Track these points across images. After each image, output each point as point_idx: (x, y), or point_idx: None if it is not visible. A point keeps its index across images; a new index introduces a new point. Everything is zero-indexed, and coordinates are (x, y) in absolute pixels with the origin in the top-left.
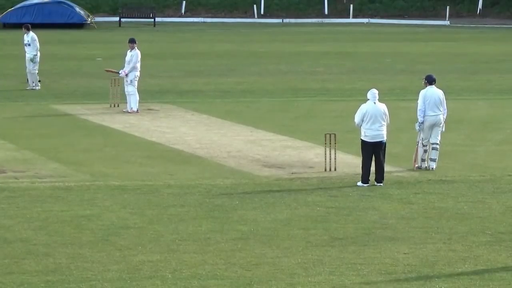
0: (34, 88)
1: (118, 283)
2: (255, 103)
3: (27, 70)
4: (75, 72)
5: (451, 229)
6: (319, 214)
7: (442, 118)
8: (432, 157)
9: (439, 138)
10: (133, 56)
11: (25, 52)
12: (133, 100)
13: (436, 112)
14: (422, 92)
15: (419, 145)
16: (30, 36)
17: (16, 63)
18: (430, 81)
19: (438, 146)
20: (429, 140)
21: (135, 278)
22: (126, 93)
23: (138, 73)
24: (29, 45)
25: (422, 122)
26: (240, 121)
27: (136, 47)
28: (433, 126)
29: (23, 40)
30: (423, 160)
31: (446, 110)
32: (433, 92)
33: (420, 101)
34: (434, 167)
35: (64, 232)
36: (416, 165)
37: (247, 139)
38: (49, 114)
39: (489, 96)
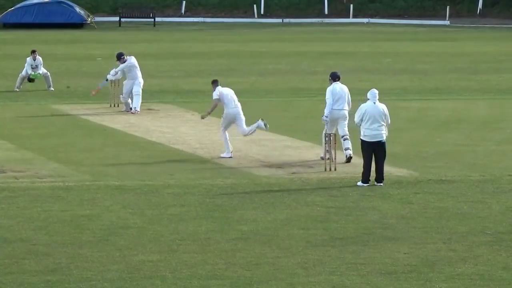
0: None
1: (118, 283)
2: (255, 103)
3: (23, 73)
4: (75, 72)
5: (451, 229)
6: (319, 214)
7: (347, 114)
8: (347, 146)
9: (346, 129)
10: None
11: (29, 69)
12: (137, 100)
13: (340, 107)
14: (330, 88)
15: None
16: (39, 60)
17: (16, 63)
18: (334, 77)
19: (347, 136)
20: (334, 133)
21: (135, 278)
22: (132, 92)
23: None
24: (36, 66)
25: (327, 116)
26: None
27: (126, 58)
28: (338, 119)
29: (29, 64)
30: (327, 151)
31: (350, 106)
32: (340, 87)
33: (329, 96)
34: (351, 153)
35: (64, 232)
36: (321, 156)
37: (247, 139)
38: (49, 114)
39: (489, 96)
